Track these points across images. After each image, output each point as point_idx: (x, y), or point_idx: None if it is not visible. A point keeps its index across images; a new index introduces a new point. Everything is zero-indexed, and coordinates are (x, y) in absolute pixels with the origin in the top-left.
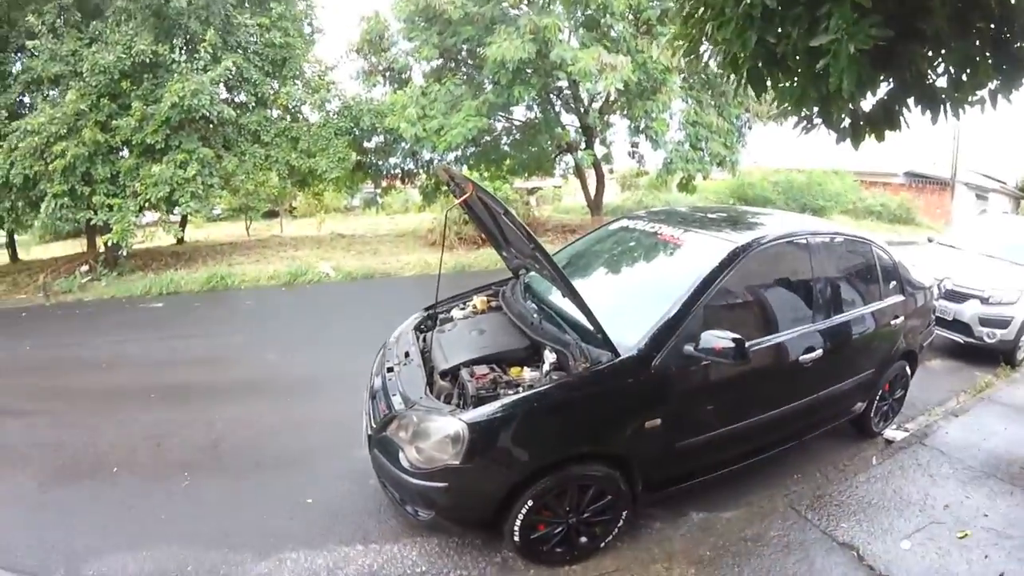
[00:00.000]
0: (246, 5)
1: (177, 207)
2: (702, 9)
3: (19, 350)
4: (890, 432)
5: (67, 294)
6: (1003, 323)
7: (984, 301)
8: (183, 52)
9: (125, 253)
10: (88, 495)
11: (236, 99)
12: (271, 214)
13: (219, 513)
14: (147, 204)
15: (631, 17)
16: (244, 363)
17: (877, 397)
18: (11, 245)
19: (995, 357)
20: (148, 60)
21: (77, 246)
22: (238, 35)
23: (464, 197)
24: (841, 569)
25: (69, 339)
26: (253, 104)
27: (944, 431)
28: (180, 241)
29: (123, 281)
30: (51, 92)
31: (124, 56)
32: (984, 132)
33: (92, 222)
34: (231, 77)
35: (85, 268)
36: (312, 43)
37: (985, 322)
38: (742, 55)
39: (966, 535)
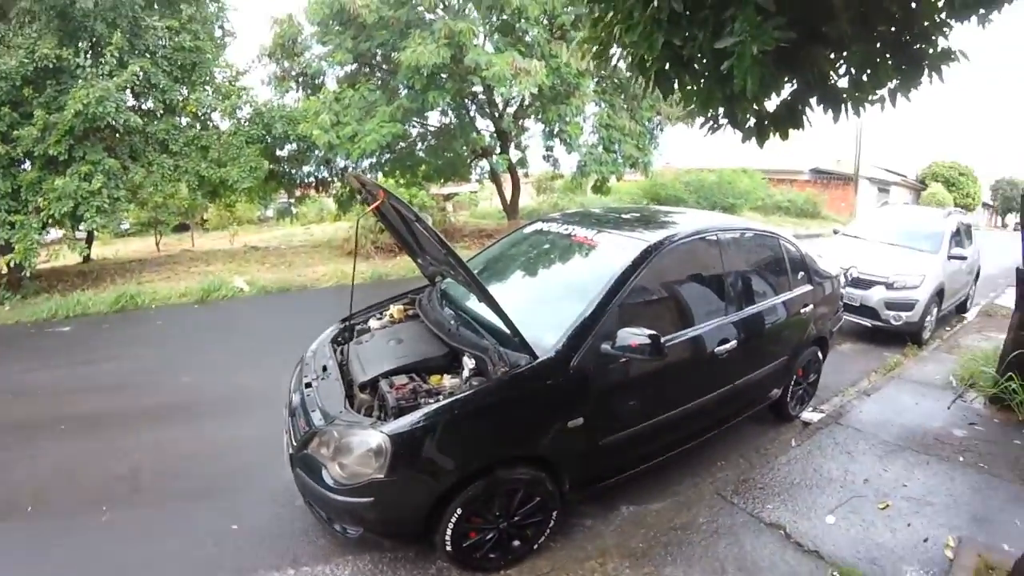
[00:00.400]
0: (155, 7)
1: (83, 223)
2: (611, 12)
3: None
4: (807, 415)
5: None
6: (908, 306)
7: (889, 286)
8: (88, 56)
9: (28, 274)
10: (3, 537)
11: (143, 106)
12: (182, 228)
13: (142, 546)
14: (50, 220)
15: (545, 22)
16: (158, 387)
17: (792, 382)
18: None
19: (903, 338)
20: (51, 65)
21: None
22: (146, 38)
23: (375, 204)
24: (770, 548)
25: None
26: (161, 111)
27: (858, 410)
28: (86, 259)
29: (27, 304)
30: None
31: (27, 61)
32: (887, 127)
33: None
34: (138, 83)
35: None
36: (223, 47)
37: (891, 305)
38: (650, 58)
39: (888, 506)
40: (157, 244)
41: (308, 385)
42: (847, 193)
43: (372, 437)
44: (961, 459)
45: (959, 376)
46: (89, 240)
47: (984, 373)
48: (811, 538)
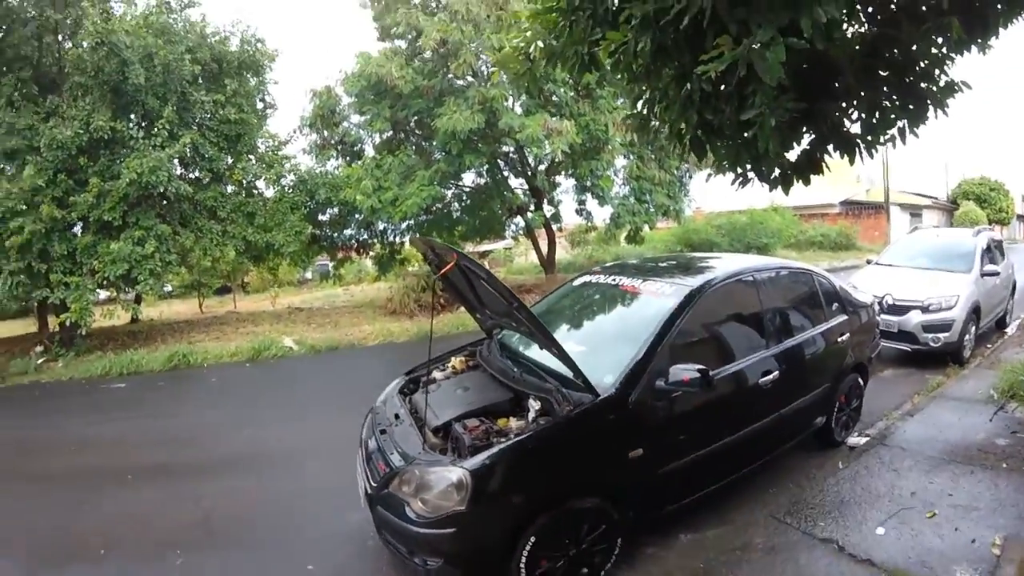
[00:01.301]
0: (200, 82)
1: (137, 285)
2: (649, 92)
3: None
4: (852, 439)
5: (22, 375)
6: (945, 327)
7: (924, 310)
8: (140, 128)
9: (83, 332)
10: None
11: (191, 175)
12: (223, 290)
13: None
14: (105, 282)
15: (571, 82)
16: (220, 440)
17: (835, 409)
18: None
19: (943, 359)
20: (106, 136)
21: (23, 326)
22: (194, 111)
23: (448, 266)
24: (825, 560)
25: (31, 422)
26: (208, 180)
27: (902, 430)
28: (135, 320)
29: (81, 361)
30: (7, 167)
31: (82, 131)
32: (915, 151)
33: (48, 300)
34: (187, 154)
35: (40, 349)
36: (265, 118)
37: (928, 328)
38: (685, 128)
39: (934, 514)
40: (200, 306)
41: (383, 431)
42: (880, 222)
43: (453, 472)
44: (1004, 465)
45: (1000, 389)
46: (137, 301)
47: (1023, 383)
48: (863, 549)
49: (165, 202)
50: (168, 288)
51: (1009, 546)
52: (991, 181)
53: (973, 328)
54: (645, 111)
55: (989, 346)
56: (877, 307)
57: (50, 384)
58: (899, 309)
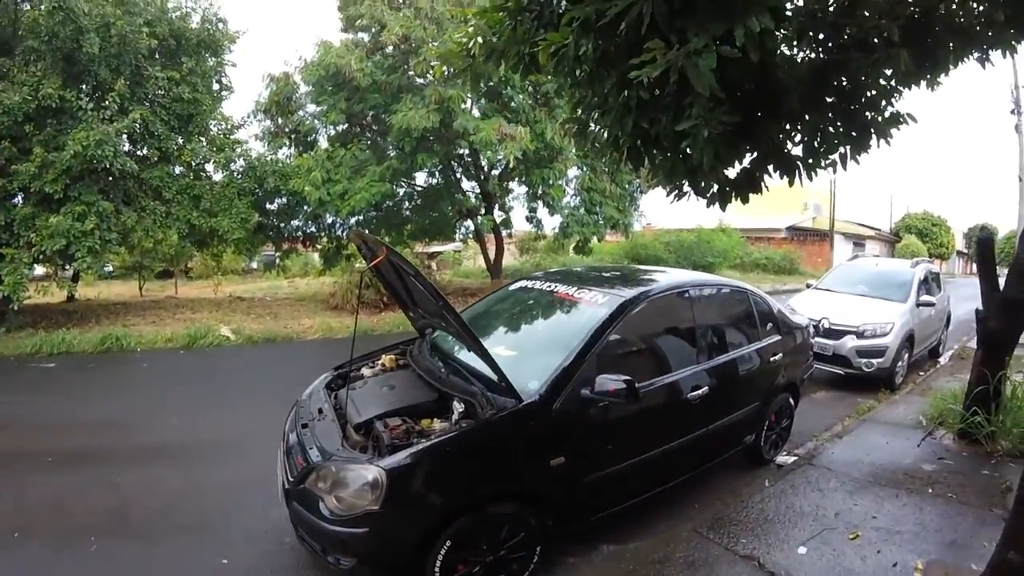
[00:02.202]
0: (156, 57)
1: (73, 262)
2: (590, 98)
3: None
4: (781, 458)
5: None
6: (878, 352)
7: (859, 335)
8: (91, 100)
9: (16, 308)
10: None
11: (139, 152)
12: (165, 274)
13: None
14: (41, 256)
15: (530, 89)
16: (145, 427)
17: (765, 427)
18: None
19: (876, 384)
20: (54, 105)
21: None
22: (147, 87)
23: (377, 260)
24: None
25: None
26: (156, 159)
27: (831, 451)
28: (71, 299)
29: (11, 338)
30: None
31: (30, 98)
32: (861, 181)
33: None
34: (136, 130)
35: None
36: (220, 100)
37: (862, 353)
38: (622, 136)
39: (857, 536)
40: (140, 289)
41: (304, 426)
42: (823, 249)
43: (369, 471)
44: (930, 491)
45: (929, 415)
46: (75, 280)
47: (952, 410)
48: (784, 568)
49: (109, 178)
50: (108, 268)
51: (931, 571)
52: (934, 216)
53: (906, 355)
54: (584, 116)
55: (921, 374)
56: (813, 330)
57: None
58: (835, 333)
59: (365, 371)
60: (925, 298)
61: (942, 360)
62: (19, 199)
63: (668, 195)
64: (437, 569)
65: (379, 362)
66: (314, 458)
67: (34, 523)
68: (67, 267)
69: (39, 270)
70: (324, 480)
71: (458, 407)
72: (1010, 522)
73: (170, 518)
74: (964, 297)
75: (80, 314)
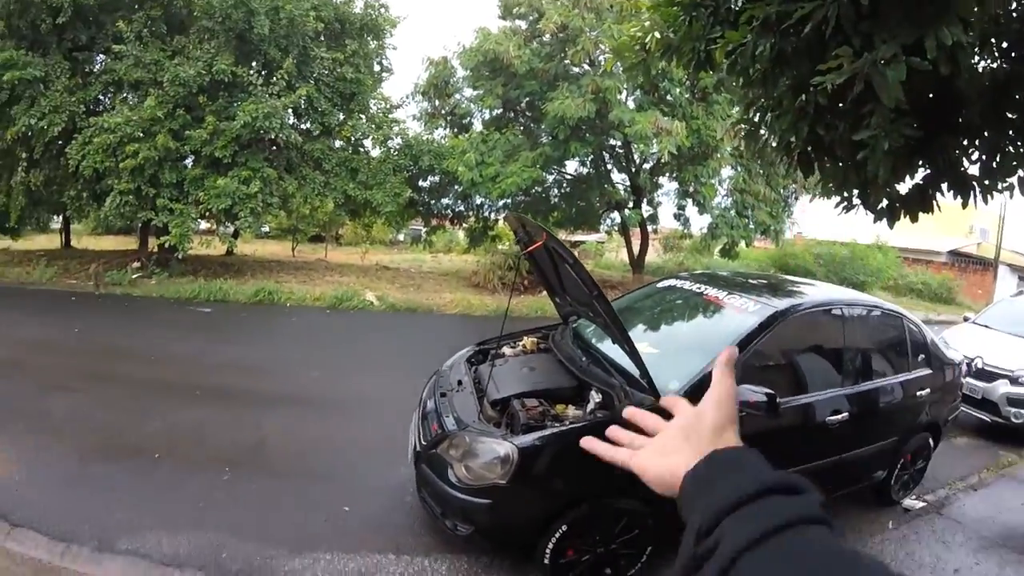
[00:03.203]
0: (322, 39)
1: (235, 220)
2: (763, 100)
3: (68, 331)
4: (908, 501)
5: (117, 286)
6: None
7: (1013, 381)
8: (260, 76)
9: (180, 256)
10: (128, 474)
11: (303, 126)
12: (316, 238)
13: (257, 508)
14: (207, 213)
15: (688, 83)
16: (289, 376)
17: (898, 466)
18: (66, 232)
19: (1022, 437)
20: (226, 79)
21: (127, 243)
22: (312, 66)
23: (536, 245)
24: None
25: (118, 328)
26: (318, 132)
27: (961, 503)
28: (230, 253)
29: (173, 282)
30: (129, 95)
31: (204, 72)
32: None
33: (151, 222)
34: (301, 105)
35: (137, 265)
36: (380, 81)
37: (1013, 402)
38: (794, 141)
39: None
40: (293, 250)
41: (443, 394)
42: (986, 279)
43: (502, 446)
44: None
45: None
46: (234, 236)
47: None
48: None
49: (274, 148)
50: (265, 229)
51: None
52: None
53: None
54: (756, 118)
55: None
56: (964, 368)
57: (141, 298)
58: (987, 375)
59: (506, 350)
60: None
61: None
62: (190, 161)
63: (836, 206)
64: (549, 550)
65: (520, 343)
66: (449, 426)
67: (176, 448)
68: (229, 224)
69: (203, 225)
70: (456, 448)
71: (595, 397)
72: None
73: (302, 462)
74: None
75: (237, 267)
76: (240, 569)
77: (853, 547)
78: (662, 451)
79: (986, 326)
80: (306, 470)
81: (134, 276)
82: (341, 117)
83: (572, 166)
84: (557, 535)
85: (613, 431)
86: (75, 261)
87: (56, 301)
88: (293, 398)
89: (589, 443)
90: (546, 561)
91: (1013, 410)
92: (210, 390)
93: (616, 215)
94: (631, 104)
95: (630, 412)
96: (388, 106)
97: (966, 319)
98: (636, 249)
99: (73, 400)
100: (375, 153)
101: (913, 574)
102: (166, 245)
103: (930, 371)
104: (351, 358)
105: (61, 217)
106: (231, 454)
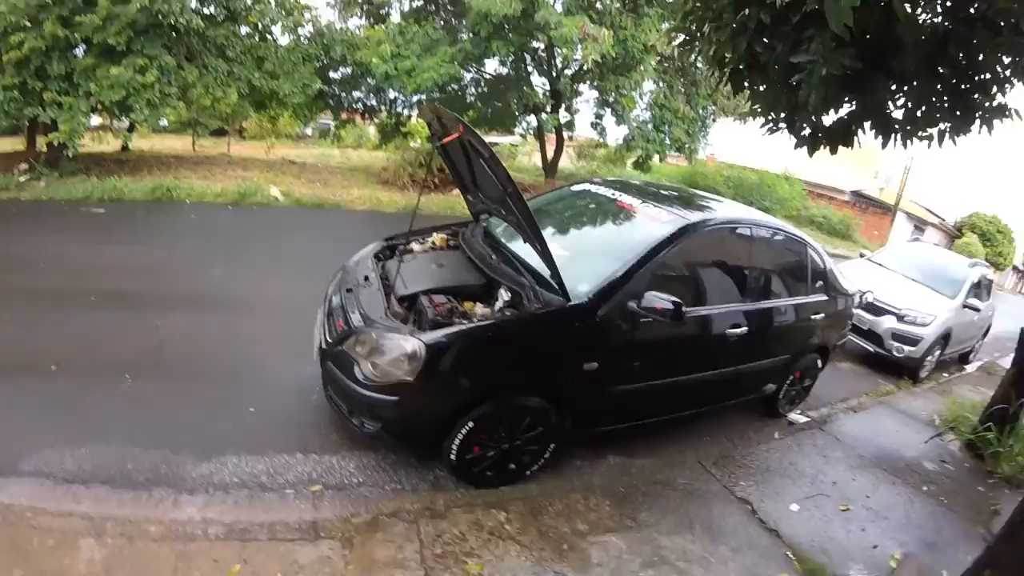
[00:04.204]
0: None
1: (131, 113)
2: (703, 10)
3: None
4: (794, 415)
5: (3, 191)
6: (913, 340)
7: (900, 318)
8: None
9: (71, 155)
10: (24, 391)
11: (206, 10)
12: (219, 132)
13: (161, 415)
14: (100, 107)
15: None
16: (188, 275)
17: (788, 382)
18: None
19: (900, 370)
20: None
21: (13, 144)
22: None
23: (452, 136)
24: (736, 518)
25: (4, 237)
26: (222, 17)
27: (842, 423)
28: (125, 148)
29: (64, 183)
30: None
31: None
32: (938, 167)
33: (39, 119)
34: None
35: (24, 166)
36: None
37: (897, 337)
38: (730, 56)
39: (848, 509)
40: (194, 144)
41: (349, 291)
42: (883, 222)
43: (409, 342)
44: (925, 489)
45: (943, 417)
46: (130, 131)
47: (967, 420)
48: (774, 519)
49: (174, 34)
50: (163, 122)
51: (905, 564)
52: (1001, 223)
53: (938, 351)
54: (693, 28)
55: (946, 375)
56: (857, 300)
57: (29, 202)
58: (876, 309)
59: (415, 246)
60: (973, 301)
61: (969, 368)
62: (80, 50)
63: (762, 127)
64: (455, 446)
65: (430, 240)
66: (355, 322)
67: (73, 358)
68: (123, 118)
69: (96, 120)
70: (363, 345)
71: (504, 295)
72: (994, 543)
73: (204, 364)
74: (1008, 314)
75: (133, 164)
76: (147, 479)
77: None
78: None
79: (881, 264)
80: (209, 373)
81: (21, 179)
82: (248, 1)
83: (492, 65)
84: (463, 432)
85: None
86: None
87: None
88: (194, 299)
89: None
90: (452, 457)
91: (896, 344)
92: (105, 295)
93: (533, 118)
94: (559, 7)
95: None
96: None
97: (862, 255)
98: (550, 154)
99: None
100: (284, 41)
101: (794, 481)
102: (55, 143)
103: (826, 297)
104: (254, 256)
105: None
106: (131, 361)
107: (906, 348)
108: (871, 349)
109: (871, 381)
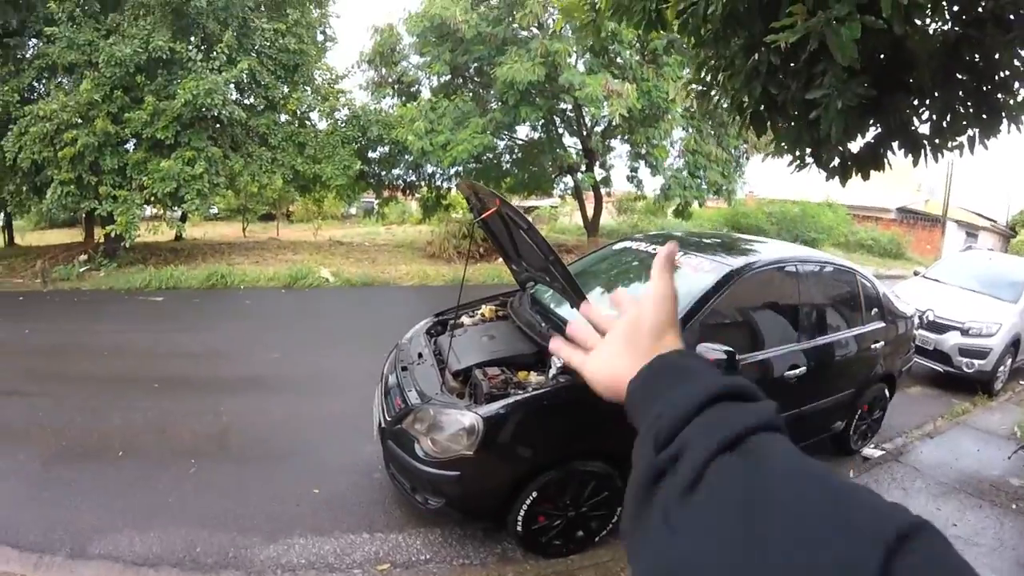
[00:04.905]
0: (263, 9)
1: (182, 204)
2: (715, 60)
3: (18, 333)
4: (867, 450)
5: (65, 282)
6: (981, 354)
7: (964, 332)
8: (199, 51)
9: (127, 245)
10: (93, 476)
11: (246, 101)
12: (267, 217)
13: (227, 498)
14: (152, 198)
15: (638, 45)
16: (248, 359)
17: (856, 416)
18: (8, 229)
19: (973, 386)
20: (164, 56)
21: (72, 235)
22: (253, 38)
23: (489, 212)
24: None
25: (69, 325)
26: (263, 107)
27: (919, 451)
28: (179, 238)
29: (122, 273)
30: (64, 80)
31: (141, 50)
32: (982, 169)
33: (96, 212)
34: (244, 79)
35: (84, 257)
36: (324, 51)
37: (964, 352)
38: (747, 101)
39: None
40: (244, 230)
41: (404, 368)
42: (934, 235)
43: (466, 417)
44: (1014, 507)
45: None
46: (182, 220)
47: None
48: None
49: (218, 125)
50: (214, 210)
51: None
52: None
53: (1009, 360)
54: (708, 78)
55: (1022, 383)
56: (917, 321)
57: (90, 292)
58: (938, 327)
59: (465, 320)
60: None
61: None
62: (131, 145)
63: (789, 165)
64: (520, 518)
65: (479, 312)
66: (413, 400)
67: (140, 444)
68: (176, 208)
69: (149, 211)
70: (421, 422)
71: (557, 362)
72: None
73: (267, 446)
74: None
75: (187, 252)
76: (215, 562)
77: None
78: (607, 356)
79: (936, 280)
80: (272, 454)
81: (82, 269)
82: (285, 90)
83: (523, 131)
84: (527, 502)
85: (572, 327)
86: (20, 259)
87: (2, 303)
88: (253, 382)
89: (556, 345)
90: (518, 528)
91: (964, 360)
92: (168, 381)
93: (569, 179)
94: (581, 67)
95: (584, 309)
96: (334, 76)
97: (916, 273)
98: (590, 212)
99: (29, 404)
100: (322, 126)
101: None
102: (112, 234)
103: (883, 324)
104: (309, 337)
105: (2, 214)
106: (195, 445)
107: (976, 362)
108: (940, 369)
109: (944, 402)
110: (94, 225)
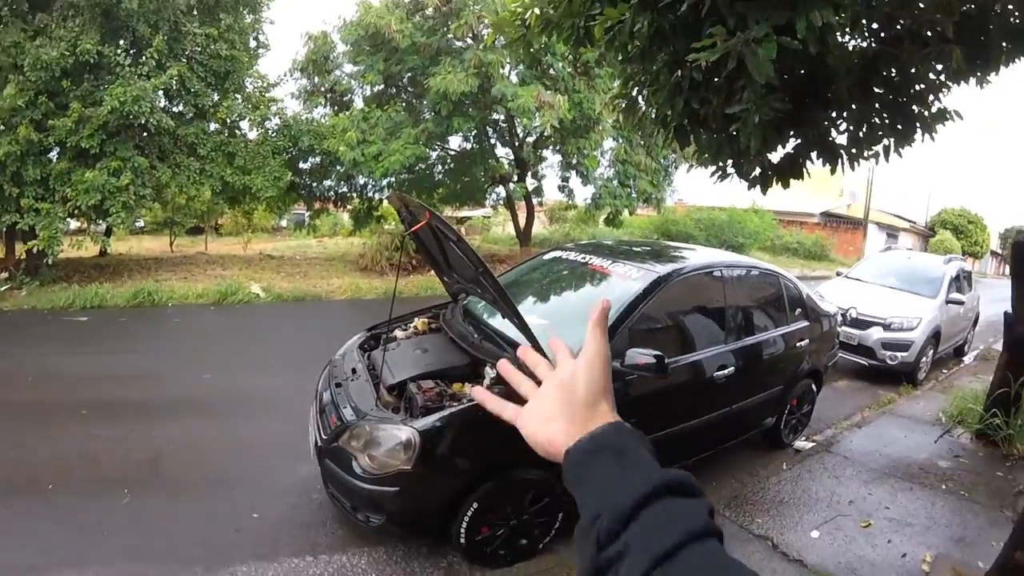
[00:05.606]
0: (195, 13)
1: (107, 217)
2: (641, 75)
3: None
4: (799, 443)
5: None
6: (904, 347)
7: (886, 327)
8: (128, 56)
9: (50, 262)
10: (22, 512)
11: (175, 109)
12: (195, 230)
13: (163, 529)
14: (76, 211)
15: (570, 57)
16: (178, 381)
17: (786, 411)
18: None
19: (898, 377)
20: (92, 60)
21: None
22: (184, 43)
23: (419, 224)
24: (758, 556)
25: None
26: (192, 115)
27: (849, 440)
28: (103, 253)
29: (45, 291)
30: None
31: (68, 53)
32: (900, 173)
33: (17, 226)
34: (173, 86)
35: (4, 275)
36: (257, 57)
37: (887, 346)
38: (671, 115)
39: (869, 524)
40: (171, 244)
41: (338, 385)
42: (856, 237)
43: (402, 431)
44: (943, 487)
45: (948, 413)
46: (107, 234)
47: (972, 410)
48: (796, 549)
49: (145, 134)
50: (140, 223)
51: (938, 565)
52: (970, 214)
53: (931, 351)
54: (634, 92)
55: (944, 371)
56: (840, 318)
57: (11, 312)
58: (862, 323)
59: (398, 333)
60: (955, 296)
61: (966, 360)
62: (55, 154)
63: (712, 175)
64: (463, 529)
65: (412, 325)
66: (348, 417)
67: (69, 474)
68: (100, 222)
69: (73, 225)
70: (358, 439)
71: (490, 372)
72: (1020, 523)
73: (202, 471)
74: (994, 298)
75: (112, 268)
76: None
77: (739, 561)
78: (542, 414)
79: (858, 279)
80: (208, 479)
81: (2, 288)
82: (216, 98)
83: (456, 142)
84: (469, 513)
85: (503, 366)
86: None
87: None
88: (185, 404)
89: (480, 394)
90: (462, 540)
91: (888, 352)
92: (96, 406)
93: (501, 189)
94: (514, 78)
95: (521, 352)
96: (265, 84)
97: (839, 274)
98: (522, 222)
99: None
100: (252, 135)
101: (810, 508)
102: (34, 250)
103: (807, 323)
104: (241, 355)
105: None
106: (128, 474)
107: (899, 355)
108: (865, 363)
109: (871, 394)
110: (15, 240)
